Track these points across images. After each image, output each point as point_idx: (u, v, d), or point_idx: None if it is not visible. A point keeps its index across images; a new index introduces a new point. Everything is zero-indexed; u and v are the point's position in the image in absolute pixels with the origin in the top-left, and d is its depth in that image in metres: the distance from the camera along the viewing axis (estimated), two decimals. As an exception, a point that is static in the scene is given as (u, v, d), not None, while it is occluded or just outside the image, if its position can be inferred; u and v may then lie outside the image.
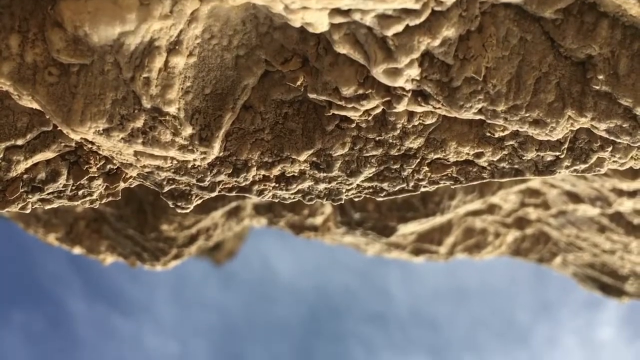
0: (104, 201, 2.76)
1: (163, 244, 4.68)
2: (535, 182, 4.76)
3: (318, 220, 4.86)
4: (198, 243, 4.81)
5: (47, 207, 2.68)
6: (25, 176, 2.55)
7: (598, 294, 7.08)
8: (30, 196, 2.59)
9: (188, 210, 2.80)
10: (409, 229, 4.38)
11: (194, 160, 2.57)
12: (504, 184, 4.29)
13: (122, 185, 2.72)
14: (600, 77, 2.27)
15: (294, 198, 2.83)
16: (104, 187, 2.70)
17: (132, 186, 2.81)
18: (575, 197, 4.85)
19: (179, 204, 2.74)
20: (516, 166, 2.69)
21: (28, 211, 2.67)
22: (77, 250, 5.03)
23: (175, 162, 2.58)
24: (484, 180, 2.76)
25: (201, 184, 2.69)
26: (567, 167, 2.66)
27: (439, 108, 2.39)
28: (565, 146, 2.59)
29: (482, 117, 2.40)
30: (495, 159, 2.66)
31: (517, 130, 2.54)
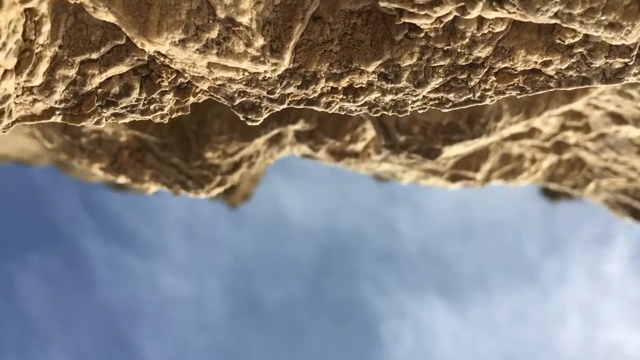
0: (174, 116, 2.80)
1: (207, 171, 4.74)
2: (579, 103, 4.74)
3: (359, 146, 4.89)
4: (241, 170, 4.87)
5: (121, 121, 2.72)
6: (99, 90, 2.58)
7: (629, 220, 7.14)
8: (104, 110, 2.63)
9: (258, 123, 2.83)
10: (453, 152, 4.40)
11: (265, 72, 2.59)
12: (550, 104, 4.28)
13: (191, 99, 2.74)
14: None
15: (360, 110, 2.86)
16: (175, 101, 2.73)
17: (200, 101, 2.84)
18: (618, 118, 4.84)
19: (250, 116, 2.77)
20: (584, 74, 2.69)
21: (103, 125, 2.72)
22: (122, 180, 5.11)
23: (247, 74, 2.60)
24: (550, 90, 2.76)
25: (271, 96, 2.71)
26: (635, 75, 2.66)
27: (514, 12, 2.37)
28: (635, 52, 2.58)
29: (557, 21, 2.39)
30: (563, 67, 2.66)
31: (587, 37, 2.53)
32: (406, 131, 4.27)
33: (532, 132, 5.13)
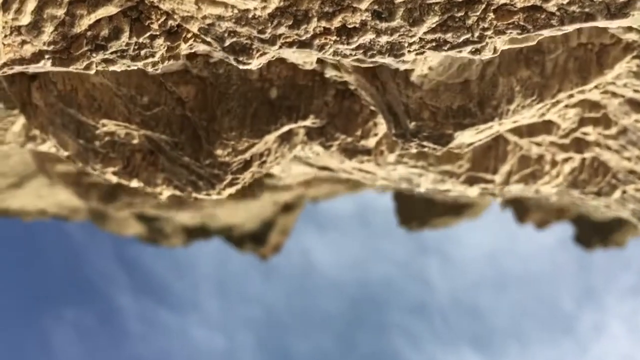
0: (165, 64, 2.72)
1: (218, 170, 4.65)
2: (594, 93, 4.56)
3: (371, 142, 4.76)
4: (252, 169, 4.76)
5: (111, 68, 2.66)
6: (89, 33, 2.54)
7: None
8: (94, 55, 2.57)
9: (250, 66, 2.74)
10: (466, 138, 4.24)
11: (255, 9, 2.51)
12: (564, 86, 4.11)
13: (183, 46, 2.67)
14: None
15: (355, 55, 2.75)
16: (166, 47, 2.66)
17: (193, 50, 2.77)
18: (637, 105, 4.63)
19: (241, 58, 2.68)
20: (587, 9, 2.55)
21: (92, 71, 2.66)
22: (135, 184, 5.05)
23: (236, 11, 2.53)
24: (552, 28, 2.62)
25: (262, 36, 2.63)
26: (640, 7, 2.50)
27: None
28: (639, -18, 2.44)
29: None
30: (564, 2, 2.52)
31: (587, -34, 2.41)
32: (416, 117, 4.14)
33: (549, 127, 4.94)
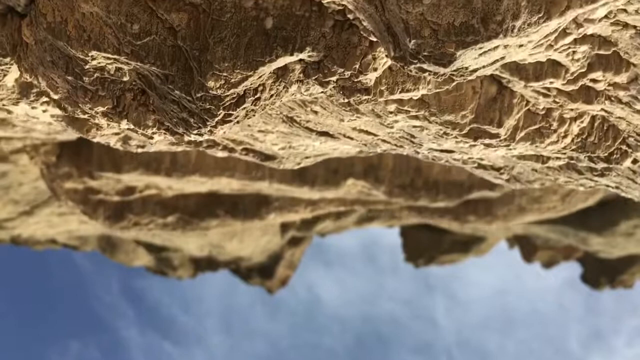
0: None
1: (210, 104, 4.36)
2: (604, 26, 4.26)
3: (370, 77, 4.46)
4: (245, 106, 4.47)
5: None
6: None
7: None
8: None
9: None
10: (469, 61, 3.93)
11: None
12: (573, 3, 3.83)
13: None
14: None
15: None
16: None
17: None
18: (650, 36, 4.32)
19: None
20: None
21: None
22: (124, 125, 4.76)
23: None
24: None
25: None
26: None
27: None
28: None
29: None
30: None
31: None
32: (416, 34, 3.85)
33: (557, 70, 4.63)
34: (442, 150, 5.55)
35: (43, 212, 27.52)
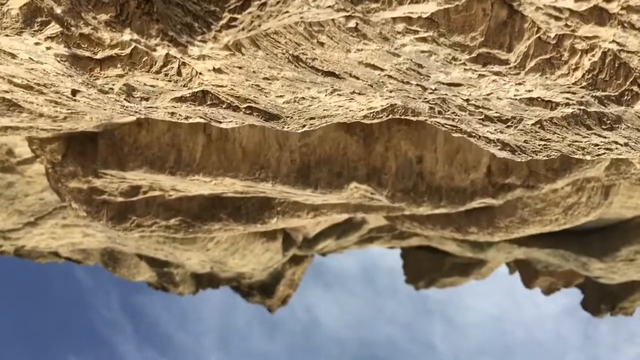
0: None
1: (214, 5, 4.18)
2: None
3: (379, -17, 4.29)
4: (251, 10, 4.29)
5: None
6: None
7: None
8: None
9: None
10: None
11: None
12: None
13: None
14: None
15: None
16: None
17: None
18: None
19: None
20: None
21: None
22: (127, 35, 4.58)
23: None
24: None
25: None
26: None
27: None
28: None
29: None
30: None
31: None
32: None
33: (569, -15, 4.45)
34: (449, 85, 5.34)
35: (47, 223, 27.26)
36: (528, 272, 33.80)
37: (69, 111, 11.12)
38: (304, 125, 7.30)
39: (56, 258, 29.56)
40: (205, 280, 30.49)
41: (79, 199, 16.60)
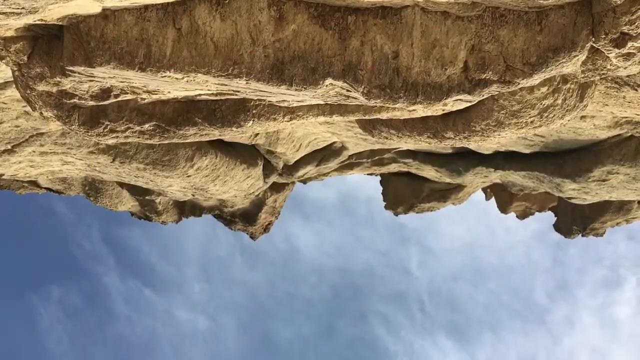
0: None
1: None
2: None
3: None
4: None
5: None
6: None
7: None
8: None
9: None
10: None
11: None
12: None
13: None
14: None
15: None
16: None
17: None
18: None
19: None
20: None
21: None
22: None
23: None
24: None
25: None
26: None
27: None
28: None
29: None
30: None
31: None
32: None
33: None
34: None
35: (25, 150, 26.03)
36: (503, 198, 33.44)
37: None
38: None
39: (36, 188, 28.51)
40: (187, 209, 29.73)
41: (49, 103, 15.58)
